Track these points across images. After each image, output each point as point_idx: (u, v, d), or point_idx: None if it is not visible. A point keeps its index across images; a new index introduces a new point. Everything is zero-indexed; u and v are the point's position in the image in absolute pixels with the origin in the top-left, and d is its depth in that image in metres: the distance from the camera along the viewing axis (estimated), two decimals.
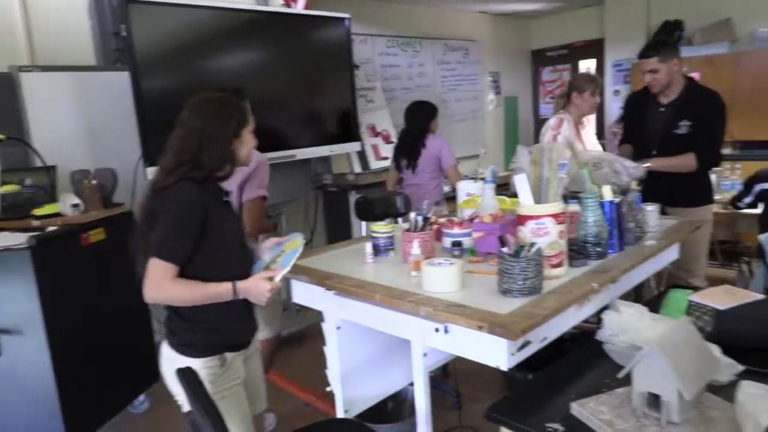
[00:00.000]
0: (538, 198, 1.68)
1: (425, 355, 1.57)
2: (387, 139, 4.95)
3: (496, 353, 1.38)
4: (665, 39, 2.89)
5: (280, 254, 1.56)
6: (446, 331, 1.47)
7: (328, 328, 1.85)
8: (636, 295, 2.46)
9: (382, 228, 2.00)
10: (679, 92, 2.82)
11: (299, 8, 3.92)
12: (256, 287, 1.48)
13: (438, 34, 6.03)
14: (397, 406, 2.33)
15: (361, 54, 5.14)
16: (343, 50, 4.06)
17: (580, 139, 3.42)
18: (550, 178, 1.68)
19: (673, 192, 2.73)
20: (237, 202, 2.42)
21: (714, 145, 2.81)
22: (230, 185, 2.25)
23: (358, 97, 4.72)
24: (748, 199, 3.17)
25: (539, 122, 7.47)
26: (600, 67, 6.61)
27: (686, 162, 2.75)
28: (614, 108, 6.04)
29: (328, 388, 1.92)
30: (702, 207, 2.85)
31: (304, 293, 1.93)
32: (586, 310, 1.70)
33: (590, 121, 3.49)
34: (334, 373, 1.87)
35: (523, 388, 1.57)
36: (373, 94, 5.12)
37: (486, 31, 6.67)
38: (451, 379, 2.89)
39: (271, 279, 1.48)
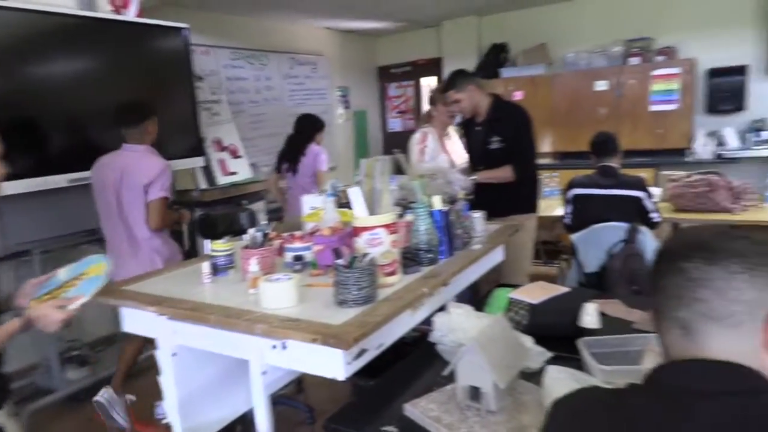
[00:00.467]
0: (372, 209, 1.75)
1: (264, 373, 1.54)
2: (234, 154, 4.81)
3: (332, 364, 1.40)
4: (459, 70, 3.16)
5: (81, 276, 1.43)
6: (284, 347, 1.47)
7: (162, 356, 1.74)
8: (473, 294, 2.65)
9: (220, 246, 1.94)
10: (487, 112, 3.08)
11: (130, 16, 3.68)
12: (46, 317, 1.33)
13: (285, 47, 6.03)
14: (246, 429, 2.25)
15: (204, 66, 4.97)
16: (183, 61, 3.89)
17: (446, 150, 3.64)
18: (382, 190, 1.76)
19: (500, 204, 2.90)
20: (143, 203, 2.69)
21: (525, 156, 3.06)
22: (136, 187, 2.64)
23: (202, 111, 4.55)
24: (568, 210, 3.55)
25: (388, 136, 7.79)
26: (440, 84, 7.08)
27: (504, 174, 2.99)
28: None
29: (164, 420, 1.81)
30: (525, 215, 3.09)
31: (135, 320, 1.80)
32: (420, 314, 1.79)
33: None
34: (170, 403, 1.77)
35: (363, 395, 1.61)
36: (218, 107, 4.96)
37: (334, 46, 6.81)
38: (304, 393, 2.87)
39: (65, 307, 1.35)
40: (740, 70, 5.27)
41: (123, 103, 2.85)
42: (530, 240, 3.22)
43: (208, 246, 2.00)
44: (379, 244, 1.67)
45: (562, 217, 3.62)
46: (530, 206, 3.21)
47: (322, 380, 1.46)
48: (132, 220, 2.73)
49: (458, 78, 3.08)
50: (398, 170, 2.38)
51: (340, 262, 1.53)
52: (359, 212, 1.69)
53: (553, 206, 4.01)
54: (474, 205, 2.63)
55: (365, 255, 1.56)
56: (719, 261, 0.74)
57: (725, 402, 0.70)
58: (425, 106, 7.46)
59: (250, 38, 5.61)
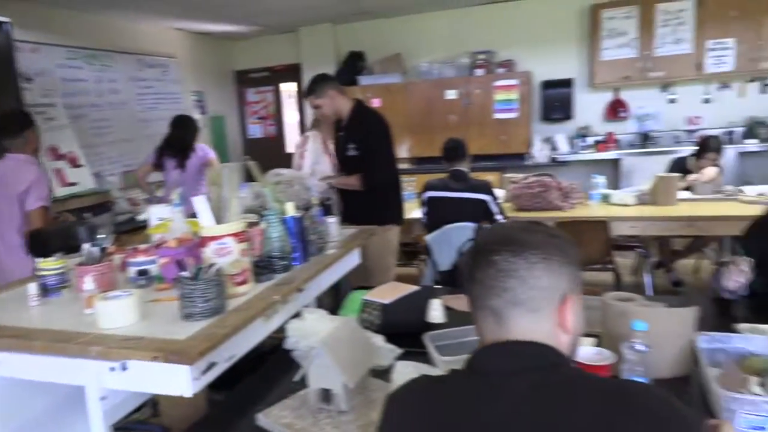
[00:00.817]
0: (220, 218, 1.70)
1: (103, 398, 1.43)
2: (74, 162, 4.40)
3: (178, 381, 1.34)
4: (320, 75, 3.08)
5: None
6: (123, 368, 1.37)
7: None
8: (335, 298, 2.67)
9: (50, 264, 1.77)
10: (347, 118, 3.07)
11: None
12: None
13: (132, 48, 5.63)
14: None
15: (33, 65, 4.46)
16: (4, 59, 3.48)
17: (328, 153, 3.61)
18: (230, 198, 1.72)
19: (363, 214, 2.91)
20: (19, 212, 2.75)
21: (375, 166, 3.01)
22: (10, 195, 2.71)
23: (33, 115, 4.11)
24: (424, 211, 3.72)
25: (248, 142, 7.61)
26: (300, 90, 7.07)
27: (352, 181, 3.00)
28: None
29: None
30: (385, 226, 3.10)
31: None
32: (275, 322, 1.77)
33: None
34: None
35: (216, 409, 1.56)
36: (53, 111, 4.51)
37: (186, 48, 6.50)
38: (160, 414, 2.70)
39: None
40: (567, 83, 5.94)
41: (3, 114, 3.00)
42: (390, 251, 3.23)
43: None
44: (227, 254, 1.63)
45: (421, 219, 3.80)
46: (391, 217, 3.21)
47: (180, 398, 1.40)
48: (4, 227, 2.80)
49: (318, 83, 3.03)
50: (251, 177, 2.34)
51: (184, 274, 1.47)
52: (205, 221, 1.64)
53: (410, 209, 4.18)
54: (342, 215, 2.65)
55: (211, 265, 1.51)
56: (522, 253, 0.84)
57: (530, 377, 0.79)
58: (286, 112, 7.43)
59: (89, 36, 5.16)
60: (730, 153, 5.14)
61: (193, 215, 1.86)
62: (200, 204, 1.65)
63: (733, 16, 5.24)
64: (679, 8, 5.38)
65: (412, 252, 4.53)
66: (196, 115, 6.63)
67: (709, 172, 4.13)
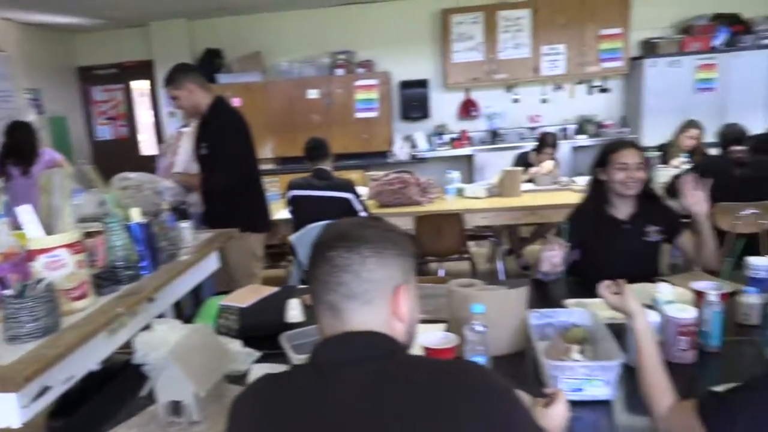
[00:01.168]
0: (51, 228, 1.56)
1: None
2: None
3: (3, 411, 1.21)
4: (180, 66, 2.89)
5: None
6: None
7: None
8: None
9: None
10: (205, 114, 2.90)
11: None
12: None
13: None
14: None
15: None
16: None
17: None
18: (62, 206, 1.58)
19: (226, 217, 2.77)
20: None
21: (219, 167, 2.82)
22: None
23: None
24: (289, 209, 3.69)
25: (96, 144, 7.01)
26: (153, 88, 6.66)
27: (194, 181, 2.86)
28: (171, 128, 6.17)
29: None
30: (248, 232, 2.96)
31: None
32: (123, 336, 1.67)
33: None
34: None
35: None
36: None
37: (17, 41, 5.82)
38: None
39: None
40: (423, 83, 6.22)
41: None
42: (254, 256, 3.12)
43: None
44: (60, 267, 1.49)
45: (289, 219, 3.77)
46: (252, 223, 3.05)
47: (12, 431, 1.25)
48: None
49: (177, 73, 2.84)
50: (90, 183, 2.16)
51: (6, 292, 1.33)
52: (32, 233, 1.49)
53: (276, 209, 4.12)
54: (203, 218, 2.52)
55: (40, 281, 1.38)
56: (356, 248, 0.87)
57: (367, 366, 0.82)
58: (139, 112, 6.95)
59: None
60: (564, 147, 5.72)
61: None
62: (25, 214, 1.49)
63: (561, 23, 5.85)
64: (517, 16, 5.88)
65: (279, 253, 4.48)
66: (32, 116, 5.99)
67: (547, 165, 4.58)
